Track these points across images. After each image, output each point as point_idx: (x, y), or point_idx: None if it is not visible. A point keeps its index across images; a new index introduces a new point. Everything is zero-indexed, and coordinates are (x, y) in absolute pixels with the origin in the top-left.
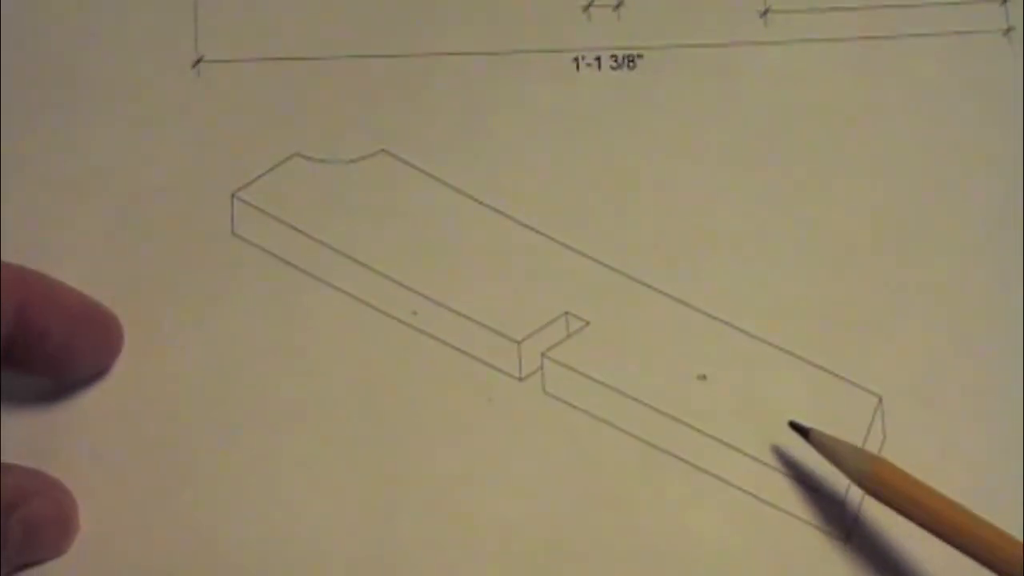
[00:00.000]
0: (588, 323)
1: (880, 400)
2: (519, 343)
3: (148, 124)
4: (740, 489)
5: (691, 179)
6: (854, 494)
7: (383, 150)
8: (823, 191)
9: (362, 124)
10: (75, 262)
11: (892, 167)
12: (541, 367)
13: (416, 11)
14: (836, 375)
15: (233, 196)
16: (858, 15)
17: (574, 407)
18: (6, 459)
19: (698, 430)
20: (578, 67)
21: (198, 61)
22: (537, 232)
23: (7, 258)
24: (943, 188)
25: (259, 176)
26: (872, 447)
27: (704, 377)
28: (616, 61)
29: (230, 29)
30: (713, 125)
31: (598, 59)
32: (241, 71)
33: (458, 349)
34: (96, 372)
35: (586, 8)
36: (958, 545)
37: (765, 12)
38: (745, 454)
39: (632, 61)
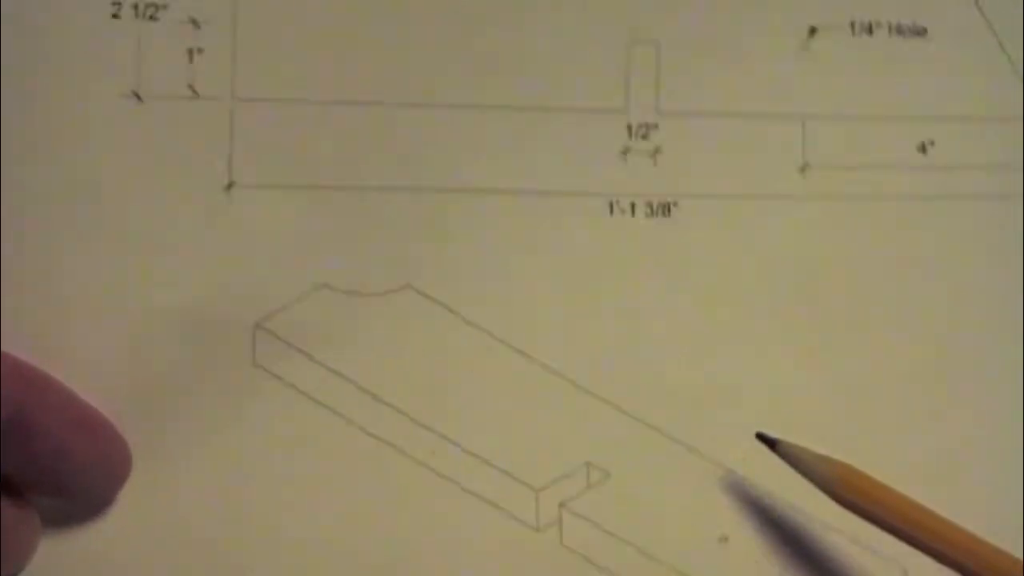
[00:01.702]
0: (609, 474)
1: (906, 573)
2: (537, 492)
3: (174, 244)
4: None
5: (721, 331)
6: None
7: (409, 285)
8: (854, 346)
9: (390, 257)
10: (84, 381)
11: (925, 325)
12: (560, 519)
13: (450, 147)
14: (862, 545)
15: (256, 326)
16: (897, 173)
17: (592, 562)
18: None
19: None
20: (612, 211)
21: (230, 185)
22: (561, 377)
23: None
24: (976, 347)
25: (284, 307)
26: None
27: (726, 539)
28: (651, 208)
29: (265, 155)
30: (745, 277)
31: (632, 205)
32: (273, 198)
33: (474, 494)
34: (100, 501)
35: (623, 152)
36: (927, 548)
37: (804, 167)
38: None
39: (667, 208)
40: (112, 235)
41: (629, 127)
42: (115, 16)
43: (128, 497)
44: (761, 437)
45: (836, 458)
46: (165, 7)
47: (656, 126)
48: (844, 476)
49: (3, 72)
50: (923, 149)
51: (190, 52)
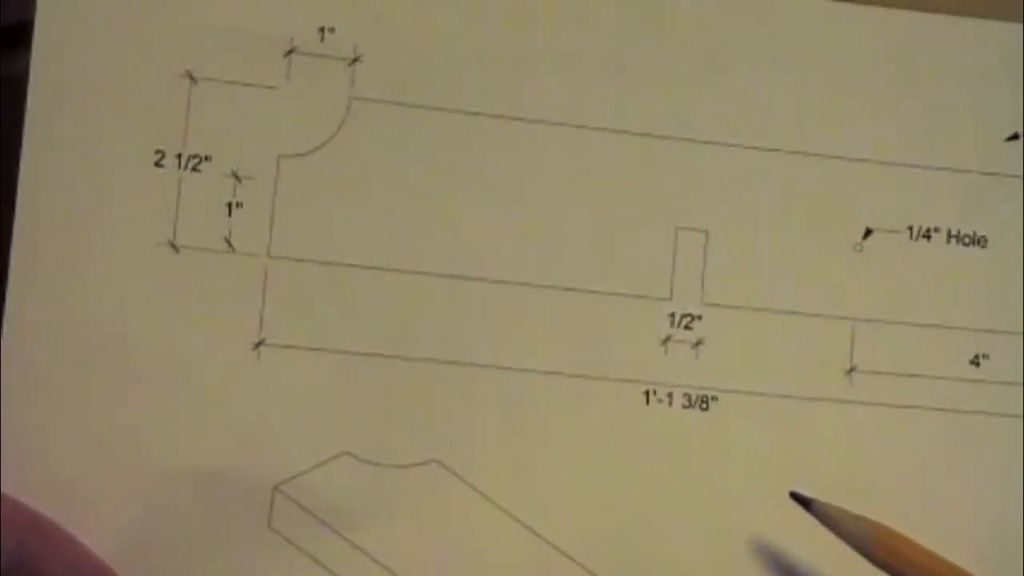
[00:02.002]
0: None
1: None
2: None
3: (199, 399)
4: None
5: (752, 534)
6: None
7: (436, 460)
8: None
9: (418, 430)
10: (96, 534)
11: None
12: None
13: (489, 322)
14: None
15: (275, 489)
16: (948, 385)
17: None
18: None
19: None
20: (648, 401)
21: (260, 343)
22: (582, 568)
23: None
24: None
25: (305, 471)
26: None
27: None
28: (689, 400)
29: (296, 315)
30: (782, 477)
31: (670, 395)
32: (302, 359)
33: None
34: None
35: (664, 342)
36: None
37: (851, 370)
38: None
39: (705, 402)
40: (137, 386)
41: (672, 316)
42: (158, 164)
43: None
44: (796, 497)
45: (872, 518)
46: (209, 159)
47: (700, 317)
48: (881, 537)
49: (40, 208)
50: (976, 362)
51: (229, 206)
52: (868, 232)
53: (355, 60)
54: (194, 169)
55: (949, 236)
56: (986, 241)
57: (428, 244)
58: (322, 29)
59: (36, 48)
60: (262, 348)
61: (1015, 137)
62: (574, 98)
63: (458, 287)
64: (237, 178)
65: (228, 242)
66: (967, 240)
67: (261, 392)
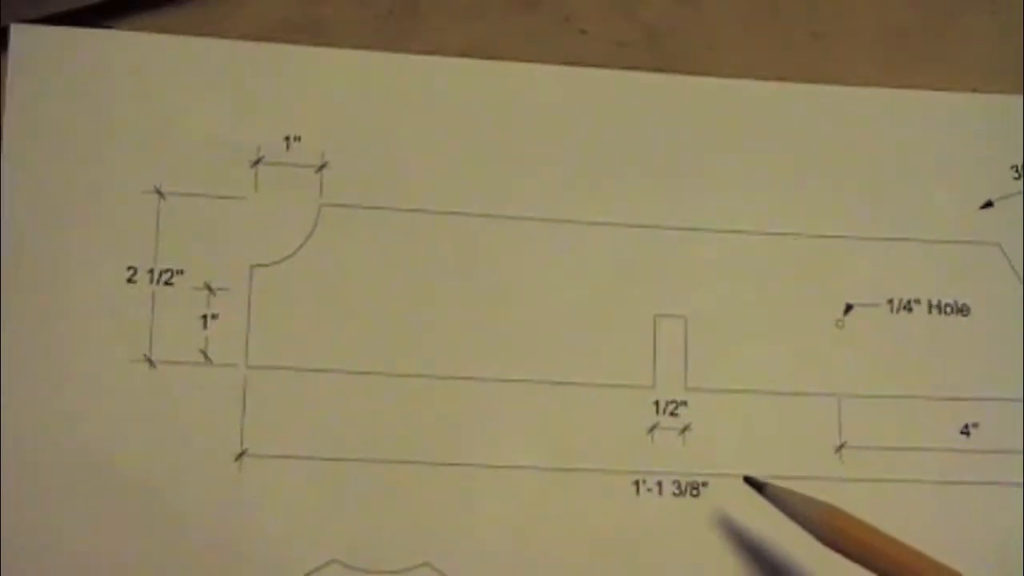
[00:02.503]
0: None
1: None
2: None
3: (182, 513)
4: None
5: None
6: None
7: (427, 563)
8: None
9: (408, 534)
10: None
11: None
12: None
13: (474, 421)
14: None
15: None
16: (939, 456)
17: None
18: None
19: None
20: (638, 491)
21: (241, 454)
22: None
23: None
24: None
25: None
26: None
27: None
28: (679, 487)
29: (277, 424)
30: (778, 561)
31: (659, 483)
32: (285, 467)
33: None
34: None
35: (650, 430)
36: None
37: (841, 447)
38: None
39: (696, 488)
40: (118, 503)
41: (657, 403)
42: (130, 281)
43: None
44: (749, 481)
45: (822, 500)
46: (181, 272)
47: (685, 403)
48: (829, 518)
49: (15, 329)
50: (967, 432)
51: (204, 318)
52: (849, 308)
53: (322, 167)
54: (167, 283)
55: (930, 307)
56: (968, 309)
57: (407, 346)
58: (288, 138)
59: (4, 168)
60: (244, 459)
61: (989, 205)
62: (547, 194)
63: (440, 387)
64: (211, 290)
65: (205, 354)
66: (949, 309)
67: (245, 503)
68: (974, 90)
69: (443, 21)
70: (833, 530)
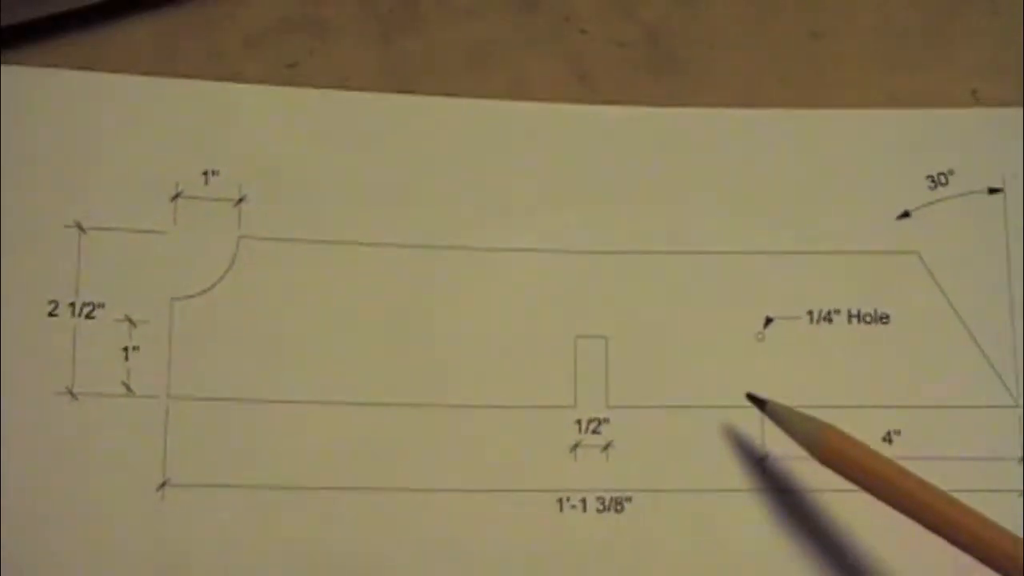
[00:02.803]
0: None
1: None
2: None
3: (105, 545)
4: None
5: None
6: None
7: None
8: None
9: (332, 560)
10: None
11: None
12: None
13: (397, 446)
14: None
15: None
16: None
17: None
18: None
19: None
20: (561, 508)
21: (163, 484)
22: None
23: None
24: None
25: None
26: None
27: None
28: (603, 504)
29: (200, 454)
30: (703, 570)
31: (583, 501)
32: (208, 497)
33: None
34: None
35: (573, 448)
36: (911, 514)
37: (763, 458)
38: None
39: (620, 504)
40: (43, 538)
41: (579, 422)
42: (52, 315)
43: None
44: (751, 397)
45: (822, 419)
46: (102, 306)
47: (607, 420)
48: (829, 438)
49: None
50: (888, 439)
51: (126, 350)
52: (768, 321)
53: (240, 200)
54: (88, 316)
55: (850, 317)
56: (888, 318)
57: (328, 374)
58: (206, 172)
59: None
60: (166, 489)
61: (906, 215)
62: (464, 223)
63: (363, 414)
64: (132, 323)
65: (127, 386)
66: (869, 319)
67: (168, 533)
68: (974, 91)
69: (443, 21)
70: (832, 450)
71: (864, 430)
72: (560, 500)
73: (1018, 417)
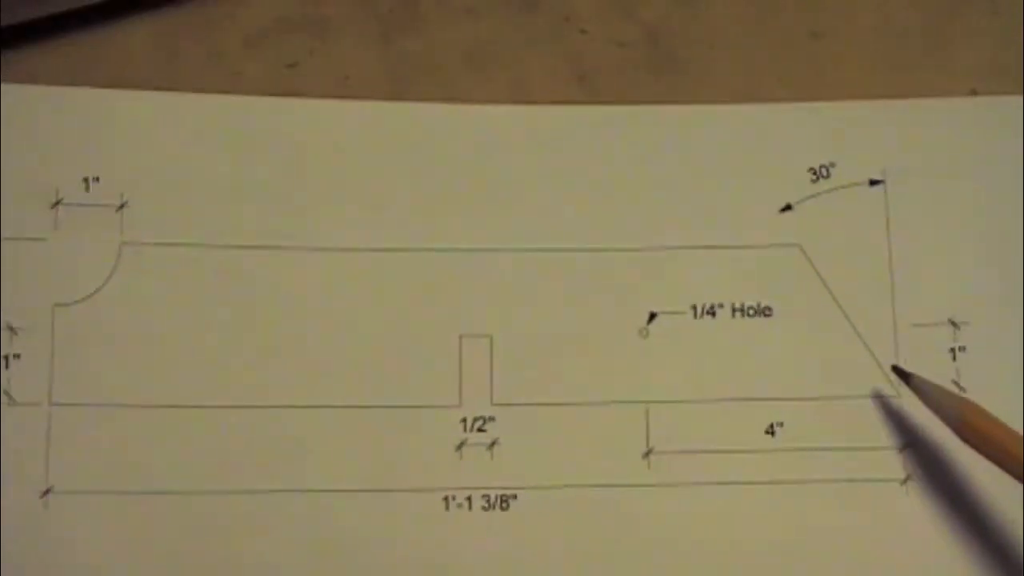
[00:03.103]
0: None
1: None
2: None
3: None
4: None
5: None
6: None
7: None
8: None
9: (219, 564)
10: None
11: None
12: None
13: (281, 448)
14: None
15: None
16: (744, 458)
17: None
18: None
19: None
20: (447, 506)
21: (47, 491)
22: None
23: None
24: None
25: None
26: None
27: None
28: (488, 502)
29: (83, 460)
30: (589, 567)
31: (469, 499)
32: (92, 503)
33: None
34: None
35: (459, 447)
36: None
37: (648, 453)
38: None
39: (505, 502)
40: None
41: (464, 421)
42: None
43: None
44: (896, 370)
45: (964, 395)
46: None
47: (492, 419)
48: (967, 413)
49: None
50: (771, 431)
51: (6, 358)
52: (652, 316)
53: (122, 206)
54: None
55: (733, 310)
56: (771, 311)
57: (212, 378)
58: (87, 179)
59: None
60: (50, 496)
61: (788, 208)
62: (344, 224)
63: (247, 416)
64: (12, 330)
65: (8, 394)
66: (752, 312)
67: (52, 540)
68: (973, 90)
69: (443, 21)
70: (969, 426)
71: (747, 423)
72: (446, 498)
73: (898, 407)
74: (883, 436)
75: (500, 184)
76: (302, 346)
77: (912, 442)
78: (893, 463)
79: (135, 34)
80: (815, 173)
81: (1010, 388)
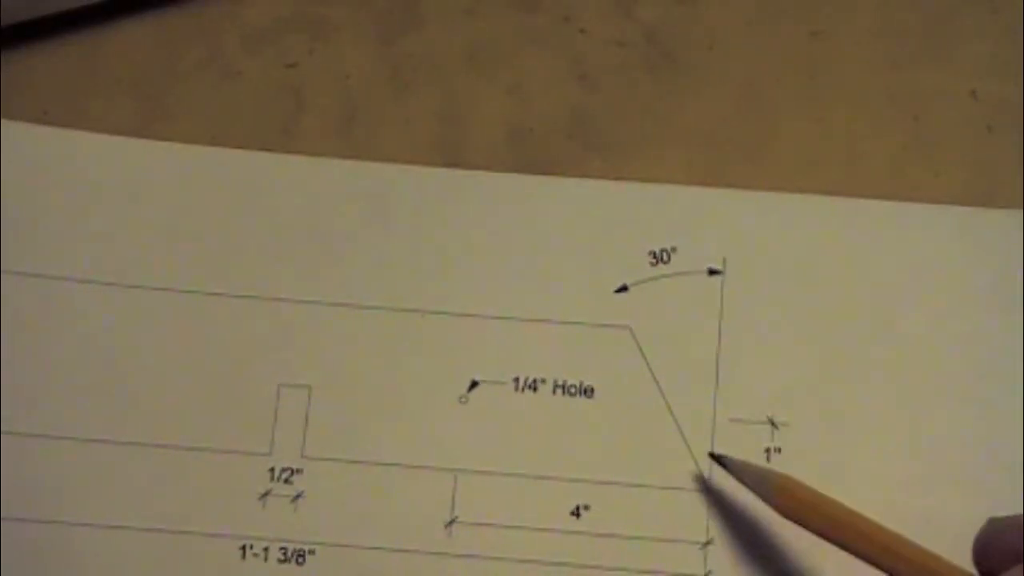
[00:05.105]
0: None
1: None
2: None
3: None
4: None
5: None
6: None
7: None
8: None
9: None
10: None
11: None
12: None
13: (83, 483)
14: None
15: None
16: (548, 537)
17: None
18: None
19: None
20: (244, 556)
21: None
22: None
23: None
24: None
25: None
26: None
27: None
28: (285, 554)
29: None
30: None
31: (266, 550)
32: None
33: None
34: None
35: (262, 496)
36: (872, 561)
37: (451, 522)
38: None
39: (302, 556)
40: None
41: (272, 471)
42: None
43: None
44: (713, 456)
45: (778, 470)
46: None
47: (300, 471)
48: (785, 487)
49: None
50: (577, 513)
51: None
52: (474, 384)
53: None
54: None
55: (555, 387)
56: (592, 391)
57: (22, 406)
58: None
59: None
60: None
61: (623, 289)
62: (171, 266)
63: (53, 447)
64: None
65: None
66: (573, 390)
67: None
68: (973, 90)
69: (443, 21)
70: (788, 499)
71: (554, 503)
72: (244, 547)
73: (702, 502)
74: (685, 530)
75: (332, 238)
76: (116, 380)
77: (716, 538)
78: (695, 558)
79: (135, 34)
80: (655, 257)
81: None
